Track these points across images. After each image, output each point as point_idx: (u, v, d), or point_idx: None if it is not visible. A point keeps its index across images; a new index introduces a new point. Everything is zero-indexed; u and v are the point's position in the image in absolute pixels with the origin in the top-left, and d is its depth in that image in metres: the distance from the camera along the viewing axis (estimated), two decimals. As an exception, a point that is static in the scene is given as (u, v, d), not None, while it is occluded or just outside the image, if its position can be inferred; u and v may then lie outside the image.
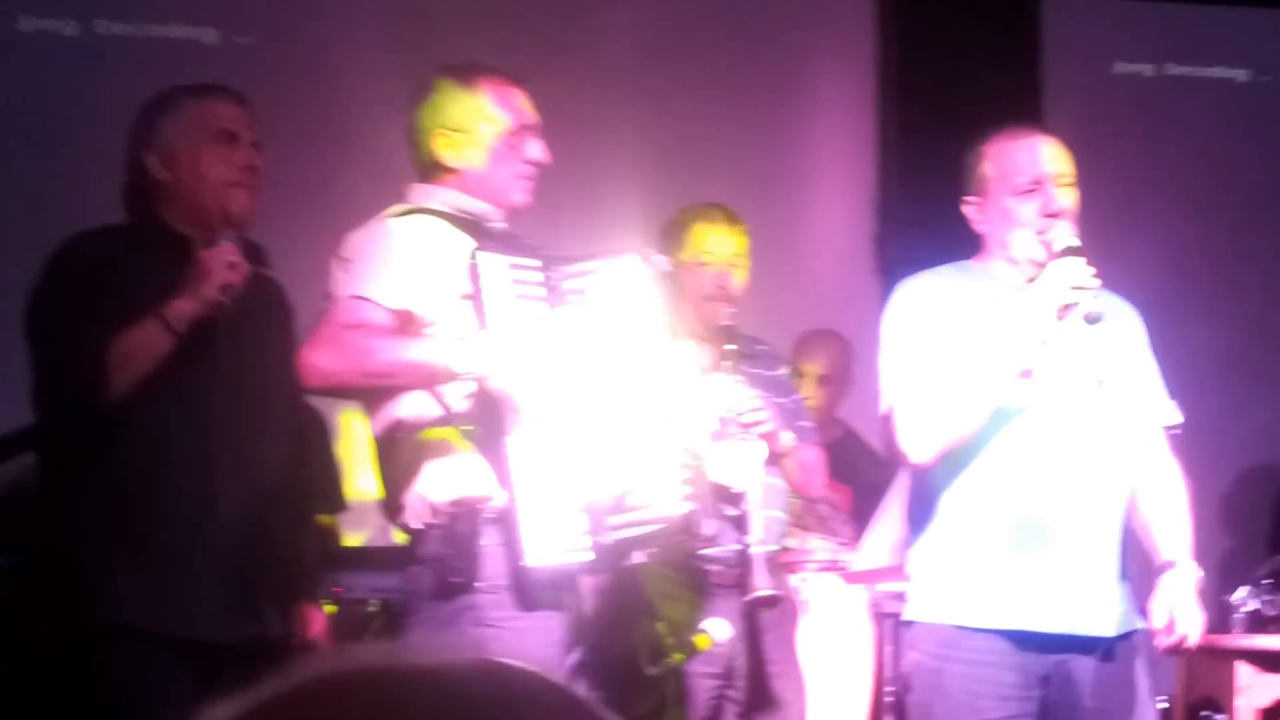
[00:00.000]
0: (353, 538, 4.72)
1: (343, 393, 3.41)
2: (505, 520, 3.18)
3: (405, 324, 3.20)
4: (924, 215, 5.67)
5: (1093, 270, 3.38)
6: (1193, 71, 7.29)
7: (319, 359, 3.15)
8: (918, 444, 3.46)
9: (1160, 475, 3.62)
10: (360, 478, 4.30)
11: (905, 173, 6.66)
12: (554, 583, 3.22)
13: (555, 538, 3.16)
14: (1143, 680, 3.51)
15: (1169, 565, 3.54)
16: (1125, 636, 3.49)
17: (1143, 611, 3.54)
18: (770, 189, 6.70)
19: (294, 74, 6.27)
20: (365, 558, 4.45)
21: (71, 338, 3.42)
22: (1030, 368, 3.42)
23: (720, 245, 4.34)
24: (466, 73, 3.44)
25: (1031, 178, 3.49)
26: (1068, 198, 3.50)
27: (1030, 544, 3.43)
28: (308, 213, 5.99)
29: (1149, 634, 3.51)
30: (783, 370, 4.48)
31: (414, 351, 3.14)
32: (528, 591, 3.19)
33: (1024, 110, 6.72)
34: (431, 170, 3.41)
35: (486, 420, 3.19)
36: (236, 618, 3.44)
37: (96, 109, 4.98)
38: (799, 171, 6.89)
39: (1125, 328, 3.64)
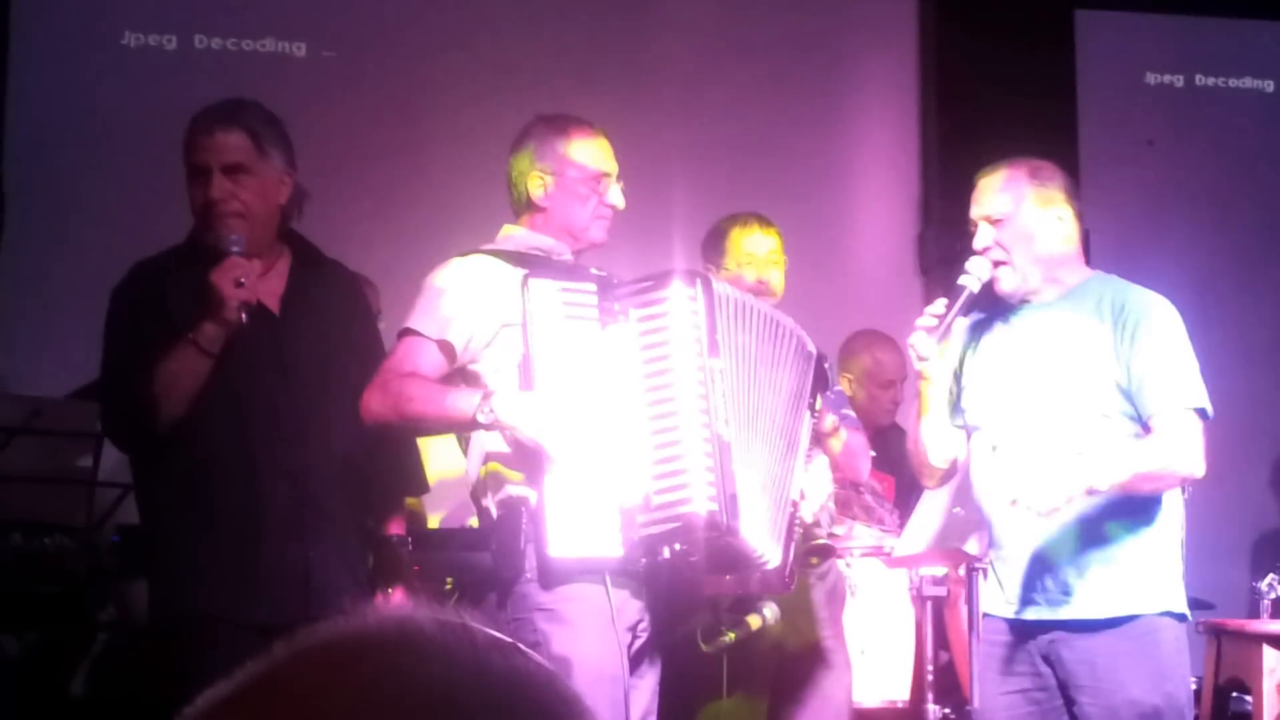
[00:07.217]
0: (431, 519, 4.87)
1: (395, 430, 3.61)
2: (534, 517, 3.46)
3: (451, 355, 3.52)
4: (964, 217, 5.87)
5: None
6: (1221, 82, 7.48)
7: (369, 400, 3.51)
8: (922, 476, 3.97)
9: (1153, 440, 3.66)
10: (438, 458, 4.44)
11: (946, 177, 6.85)
12: (587, 572, 3.46)
13: (579, 533, 3.43)
14: (1145, 662, 3.65)
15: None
16: (1121, 620, 3.65)
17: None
18: (818, 193, 6.90)
19: (375, 86, 6.58)
20: (442, 539, 4.55)
21: (126, 362, 3.58)
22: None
23: (757, 247, 4.54)
24: (560, 122, 3.77)
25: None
26: (983, 235, 3.80)
27: (1005, 536, 3.75)
28: (384, 221, 6.30)
29: (1177, 619, 3.68)
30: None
31: (444, 404, 3.45)
32: (561, 580, 3.46)
33: (1059, 119, 6.95)
34: (522, 208, 3.74)
35: (522, 449, 3.45)
36: (294, 601, 3.56)
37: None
38: (846, 177, 7.09)
39: (1136, 322, 3.72)
